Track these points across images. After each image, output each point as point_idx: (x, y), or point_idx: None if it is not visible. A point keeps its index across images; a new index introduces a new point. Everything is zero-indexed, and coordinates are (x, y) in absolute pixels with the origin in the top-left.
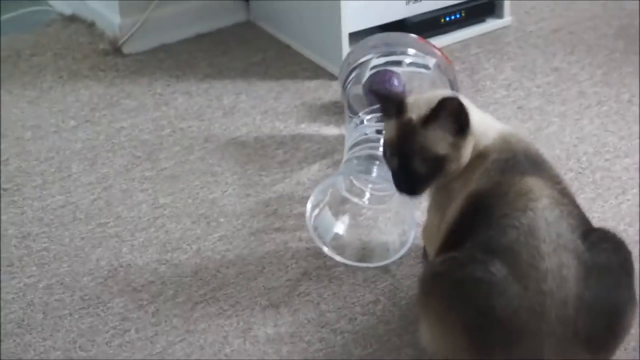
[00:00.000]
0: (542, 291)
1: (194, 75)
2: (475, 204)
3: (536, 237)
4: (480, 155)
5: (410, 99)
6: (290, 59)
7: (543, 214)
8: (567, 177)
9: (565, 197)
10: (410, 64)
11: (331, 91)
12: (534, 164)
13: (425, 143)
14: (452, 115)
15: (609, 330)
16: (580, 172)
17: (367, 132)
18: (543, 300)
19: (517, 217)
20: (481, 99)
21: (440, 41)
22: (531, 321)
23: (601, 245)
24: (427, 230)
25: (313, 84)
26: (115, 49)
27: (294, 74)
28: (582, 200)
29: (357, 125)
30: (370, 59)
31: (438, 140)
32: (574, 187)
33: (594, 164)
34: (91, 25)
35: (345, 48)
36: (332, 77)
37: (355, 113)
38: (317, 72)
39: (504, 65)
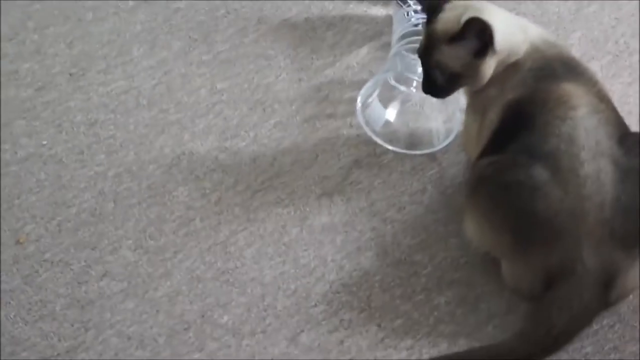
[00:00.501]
0: (581, 195)
1: None
2: (515, 111)
3: (576, 145)
4: (513, 66)
5: (447, 7)
6: None
7: (582, 122)
8: (605, 61)
9: (602, 101)
10: None
11: None
12: (569, 69)
13: (441, 59)
14: (476, 37)
15: None
16: (617, 55)
17: (415, 23)
18: (582, 204)
19: (558, 126)
20: None
21: None
22: (571, 223)
23: (637, 149)
24: (466, 133)
25: None
26: None
27: None
28: (619, 85)
29: (405, 15)
30: None
31: (455, 59)
32: (611, 71)
33: (631, 47)
34: None
35: None
36: None
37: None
38: None
39: None
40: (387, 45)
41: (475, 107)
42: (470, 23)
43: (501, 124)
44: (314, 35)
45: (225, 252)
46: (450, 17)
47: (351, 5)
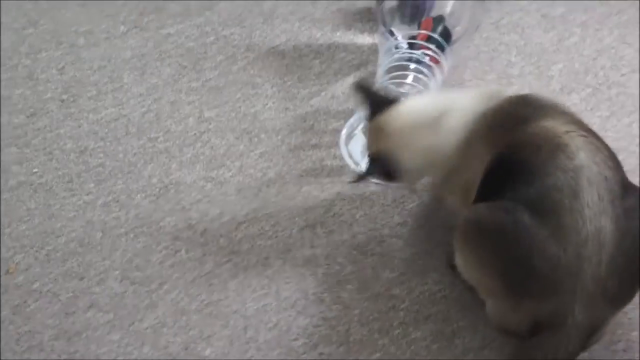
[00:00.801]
0: (581, 256)
1: None
2: (503, 164)
3: (579, 201)
4: (468, 141)
5: (379, 114)
6: None
7: (584, 173)
8: (584, 94)
9: (590, 133)
10: None
11: None
12: (536, 107)
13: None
14: (382, 168)
15: (632, 289)
16: (596, 88)
17: (401, 57)
18: (581, 264)
19: (560, 178)
20: (508, 6)
21: None
22: (567, 280)
23: (636, 210)
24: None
25: None
26: None
27: None
28: (597, 118)
29: (392, 49)
30: None
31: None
32: (590, 104)
33: (611, 79)
34: None
35: None
36: None
37: (388, 26)
38: None
39: None
40: (371, 75)
41: (445, 191)
42: (372, 160)
43: (487, 178)
44: (301, 63)
45: (209, 284)
46: (372, 131)
47: (338, 34)
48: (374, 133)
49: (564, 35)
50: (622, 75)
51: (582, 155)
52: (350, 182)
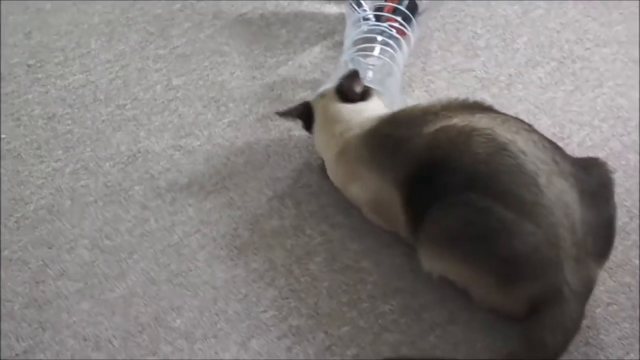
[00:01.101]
0: (552, 224)
1: None
2: (423, 170)
3: (527, 173)
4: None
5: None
6: None
7: (517, 148)
8: (549, 67)
9: (493, 112)
10: None
11: None
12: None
13: None
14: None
15: (608, 241)
16: (561, 62)
17: (367, 29)
18: (556, 231)
19: (497, 160)
20: None
21: None
22: (550, 252)
23: (583, 165)
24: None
25: None
26: None
27: None
28: (561, 92)
29: (359, 20)
30: None
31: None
32: (554, 78)
33: (575, 53)
34: None
35: None
36: None
37: None
38: None
39: None
40: (339, 45)
41: (366, 207)
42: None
43: (414, 191)
44: (268, 32)
45: (179, 254)
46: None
47: (305, 3)
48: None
49: (528, 7)
50: (587, 49)
51: (500, 132)
52: (276, 113)
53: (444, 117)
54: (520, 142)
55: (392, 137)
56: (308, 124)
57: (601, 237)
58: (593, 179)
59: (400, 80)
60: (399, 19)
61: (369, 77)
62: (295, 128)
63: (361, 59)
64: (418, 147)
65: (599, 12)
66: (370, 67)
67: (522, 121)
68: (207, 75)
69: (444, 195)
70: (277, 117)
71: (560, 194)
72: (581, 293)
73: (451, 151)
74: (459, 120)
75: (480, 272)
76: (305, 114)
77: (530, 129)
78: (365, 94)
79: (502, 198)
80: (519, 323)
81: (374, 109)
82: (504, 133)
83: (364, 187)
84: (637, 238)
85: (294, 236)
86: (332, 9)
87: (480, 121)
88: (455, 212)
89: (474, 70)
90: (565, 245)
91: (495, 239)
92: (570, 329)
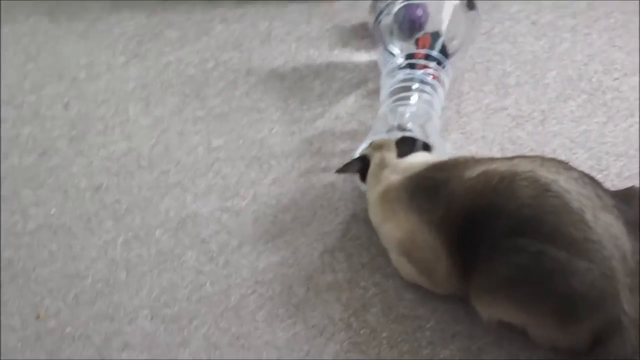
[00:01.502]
0: (605, 257)
1: None
2: (467, 218)
3: (574, 212)
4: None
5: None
6: None
7: (561, 187)
8: (581, 100)
9: (546, 162)
10: None
11: (358, 11)
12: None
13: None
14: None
15: None
16: (592, 94)
17: (403, 78)
18: (610, 264)
19: (544, 203)
20: (497, 14)
21: None
22: (607, 286)
23: (623, 196)
24: (407, 274)
25: (341, 4)
26: None
27: None
28: (595, 124)
29: (394, 70)
30: None
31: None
32: (587, 111)
33: (604, 84)
34: None
35: None
36: None
37: (386, 43)
38: None
39: None
40: (372, 93)
41: (390, 248)
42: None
43: (457, 237)
44: (302, 85)
45: (238, 316)
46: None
47: (335, 52)
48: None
49: (554, 41)
50: (615, 79)
51: (543, 173)
52: (336, 172)
53: (485, 162)
54: (562, 181)
55: (432, 180)
56: (364, 176)
57: None
58: (634, 208)
59: (439, 125)
60: (432, 64)
61: (409, 127)
62: (339, 180)
63: (400, 108)
64: (458, 190)
65: (624, 40)
66: (409, 115)
67: (560, 160)
68: (246, 133)
69: (492, 241)
70: (319, 172)
71: (607, 227)
72: (638, 320)
73: (495, 197)
74: (499, 165)
75: (539, 314)
76: (363, 167)
77: (569, 167)
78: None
79: (552, 239)
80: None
81: (422, 156)
82: (545, 174)
83: (398, 226)
84: None
85: (348, 289)
86: (363, 57)
87: (520, 164)
88: (507, 258)
89: (507, 109)
90: (620, 276)
91: (552, 281)
92: (632, 357)
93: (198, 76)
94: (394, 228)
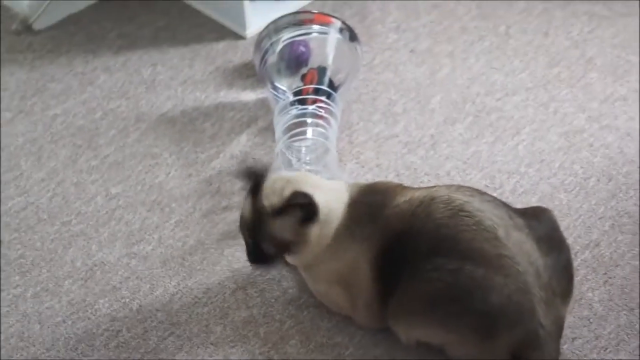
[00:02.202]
0: (520, 272)
1: (108, 48)
2: (393, 241)
3: (487, 229)
4: (346, 226)
5: (268, 181)
6: (193, 20)
7: (473, 207)
8: (467, 122)
9: (461, 188)
10: (316, 33)
11: (239, 52)
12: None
13: (272, 232)
14: (300, 208)
15: (570, 280)
16: (477, 116)
17: (297, 114)
18: (524, 279)
19: (457, 222)
20: (376, 45)
21: None
22: (522, 299)
23: (531, 215)
24: (336, 303)
25: (221, 46)
26: (27, 27)
27: (200, 36)
28: (484, 145)
29: (285, 107)
30: (281, 36)
31: (285, 229)
32: (474, 132)
33: (488, 105)
34: None
35: (247, 6)
36: (237, 36)
37: (273, 81)
38: (222, 33)
39: (389, 7)
40: (264, 130)
41: (326, 279)
42: (293, 197)
43: (383, 262)
44: (193, 127)
45: (158, 359)
46: (274, 190)
47: (222, 93)
48: (278, 182)
49: (435, 67)
50: (498, 99)
51: (458, 196)
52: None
53: (411, 189)
54: (475, 203)
55: (371, 204)
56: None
57: (563, 277)
58: (543, 226)
59: (336, 156)
60: (323, 98)
61: (307, 159)
62: None
63: (295, 144)
64: (391, 215)
65: (501, 62)
66: (305, 150)
67: (475, 188)
68: (144, 179)
69: (413, 264)
70: (221, 211)
71: (520, 245)
72: (554, 332)
73: (415, 220)
74: (421, 192)
75: (459, 331)
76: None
77: (483, 192)
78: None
79: (468, 256)
80: None
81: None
82: (460, 196)
83: (339, 257)
84: (586, 272)
85: (265, 324)
86: (249, 96)
87: (438, 190)
88: (425, 277)
89: (397, 136)
90: (535, 290)
91: (469, 297)
92: None
93: (88, 126)
94: (334, 259)
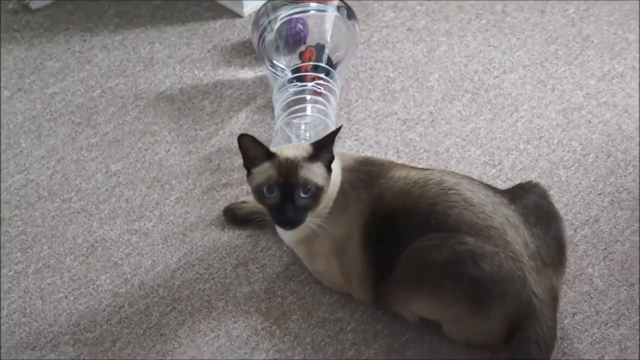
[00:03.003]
0: (508, 241)
1: (106, 26)
2: (385, 215)
3: (475, 205)
4: (342, 195)
5: (274, 149)
6: None
7: (462, 187)
8: (465, 99)
9: (452, 172)
10: (313, 10)
11: (237, 30)
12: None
13: (309, 175)
14: (327, 154)
15: (561, 250)
16: (475, 93)
17: (296, 91)
18: (513, 248)
19: (446, 199)
20: (373, 23)
21: None
22: (513, 268)
23: (521, 192)
24: (334, 282)
25: (218, 24)
26: (24, 7)
27: (198, 14)
28: (482, 122)
29: (284, 84)
30: (279, 14)
31: (319, 173)
32: (473, 109)
33: (486, 83)
34: None
35: None
36: (234, 15)
37: (271, 59)
38: (219, 11)
39: None
40: (263, 108)
41: (324, 251)
42: (323, 141)
43: (377, 235)
44: (192, 105)
45: (161, 334)
46: (290, 150)
47: (220, 71)
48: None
49: (432, 45)
50: (496, 77)
51: (448, 178)
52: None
53: (405, 168)
54: (464, 184)
55: (368, 173)
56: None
57: (552, 247)
58: (530, 200)
59: None
60: (322, 75)
61: (307, 136)
62: (242, 194)
63: (295, 121)
64: (386, 186)
65: (498, 40)
66: (304, 126)
67: (465, 175)
68: (144, 156)
69: (407, 240)
70: (222, 188)
71: (507, 218)
72: (549, 301)
73: (408, 199)
74: (416, 173)
75: (454, 300)
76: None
77: (471, 178)
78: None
79: (457, 227)
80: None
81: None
82: (451, 179)
83: (339, 224)
84: (586, 247)
85: (266, 299)
86: (248, 74)
87: (432, 173)
88: (418, 250)
89: (396, 113)
90: (524, 259)
91: (461, 264)
92: (549, 337)
93: (86, 104)
94: (332, 225)
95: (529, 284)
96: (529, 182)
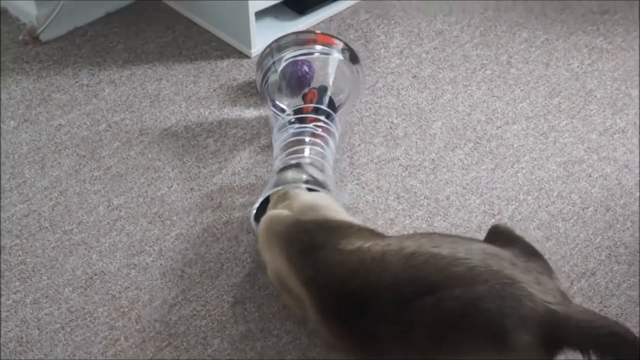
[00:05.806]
0: (496, 271)
1: (114, 61)
2: (350, 292)
3: (446, 256)
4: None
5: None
6: (199, 37)
7: (426, 246)
8: (467, 148)
9: (413, 236)
10: (318, 53)
11: (244, 70)
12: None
13: None
14: None
15: (542, 258)
16: (477, 142)
17: (295, 132)
18: (504, 274)
19: (414, 263)
20: (379, 69)
21: (334, 9)
22: (514, 291)
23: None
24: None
25: (225, 63)
26: (34, 38)
27: (206, 53)
28: (484, 172)
29: (284, 125)
30: (284, 55)
31: None
32: (474, 159)
33: (489, 133)
34: (4, 12)
35: (253, 26)
36: (242, 55)
37: (274, 100)
38: (227, 51)
39: (393, 31)
40: (266, 148)
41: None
42: None
43: (335, 306)
44: (196, 143)
45: None
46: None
47: (225, 110)
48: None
49: (437, 93)
50: (498, 127)
51: (407, 243)
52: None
53: (363, 236)
54: (426, 244)
55: (309, 241)
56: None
57: (536, 258)
58: (498, 236)
59: (333, 176)
60: (322, 117)
61: (304, 178)
62: (242, 233)
63: (292, 162)
64: (331, 259)
65: (502, 91)
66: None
67: (427, 232)
68: (146, 191)
69: (390, 317)
70: (222, 226)
71: (483, 251)
72: (562, 301)
73: (370, 275)
74: (372, 245)
75: (473, 353)
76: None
77: (431, 233)
78: None
79: (439, 286)
80: None
81: (323, 199)
82: (410, 243)
83: (272, 259)
84: (582, 300)
85: (262, 338)
86: (252, 113)
87: (391, 242)
88: (416, 323)
89: (398, 159)
90: (520, 277)
91: (463, 318)
92: (587, 320)
93: (92, 138)
94: (270, 259)
95: (536, 297)
96: (494, 225)
